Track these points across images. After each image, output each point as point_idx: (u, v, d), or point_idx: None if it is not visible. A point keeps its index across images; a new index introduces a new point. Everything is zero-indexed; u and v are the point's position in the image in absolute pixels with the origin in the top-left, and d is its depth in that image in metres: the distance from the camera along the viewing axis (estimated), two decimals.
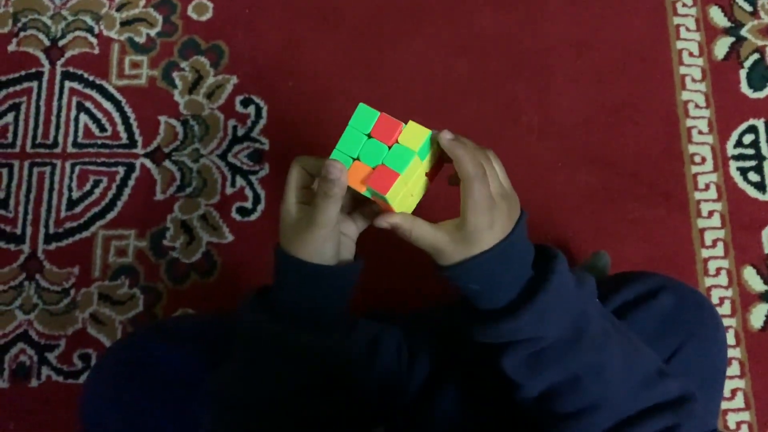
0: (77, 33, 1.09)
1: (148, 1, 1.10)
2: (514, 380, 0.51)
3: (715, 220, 1.03)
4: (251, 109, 1.06)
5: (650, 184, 1.05)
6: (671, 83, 1.09)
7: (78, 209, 1.01)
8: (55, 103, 1.05)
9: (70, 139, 1.04)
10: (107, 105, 1.06)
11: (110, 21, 1.09)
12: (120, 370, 0.62)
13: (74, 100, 1.06)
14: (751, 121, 1.08)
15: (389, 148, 0.49)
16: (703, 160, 1.06)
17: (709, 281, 1.01)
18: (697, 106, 1.08)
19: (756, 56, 1.11)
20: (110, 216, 1.01)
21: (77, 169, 1.03)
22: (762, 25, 1.12)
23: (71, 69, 1.07)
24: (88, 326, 0.97)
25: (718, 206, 1.04)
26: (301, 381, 0.52)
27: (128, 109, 1.06)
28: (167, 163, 1.03)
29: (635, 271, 0.72)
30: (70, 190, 1.02)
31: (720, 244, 1.03)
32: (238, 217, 1.02)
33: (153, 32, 1.09)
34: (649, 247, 1.02)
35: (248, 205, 1.02)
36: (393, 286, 0.98)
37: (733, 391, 0.97)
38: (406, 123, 0.49)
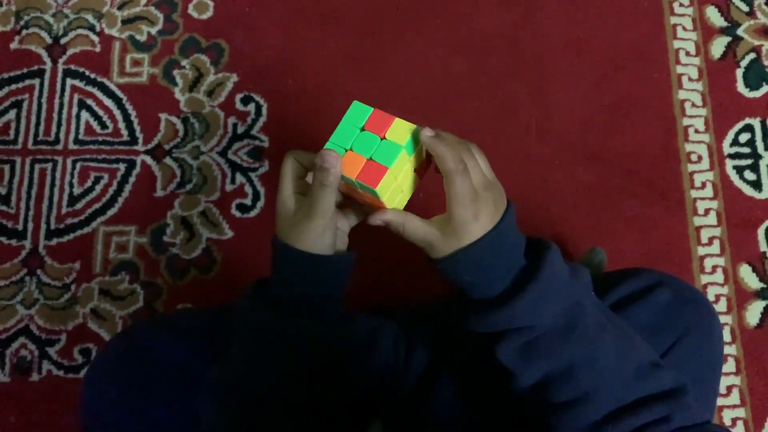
0: (79, 31, 1.09)
1: None
2: (509, 370, 0.51)
3: (712, 218, 1.04)
4: (251, 107, 1.07)
5: (647, 182, 1.05)
6: (668, 82, 1.10)
7: (79, 205, 1.02)
8: (56, 101, 1.06)
9: (72, 136, 1.05)
10: (108, 102, 1.06)
11: (112, 19, 1.10)
12: (119, 364, 0.63)
13: (76, 97, 1.07)
14: (747, 120, 1.09)
15: (382, 139, 0.50)
16: (700, 158, 1.07)
17: (705, 278, 1.02)
18: (693, 105, 1.09)
19: (752, 56, 1.12)
20: (111, 212, 1.02)
21: (78, 165, 1.04)
22: (758, 25, 1.13)
23: (73, 67, 1.08)
24: (88, 321, 0.98)
25: (714, 204, 1.05)
26: (299, 369, 0.53)
27: (129, 107, 1.06)
28: (168, 160, 1.04)
29: (632, 267, 0.72)
30: (71, 186, 1.03)
31: (716, 242, 1.03)
32: (237, 214, 1.03)
33: (154, 30, 1.10)
34: (645, 245, 1.03)
35: (248, 201, 1.03)
36: (390, 283, 0.99)
37: (729, 388, 0.98)
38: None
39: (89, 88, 1.07)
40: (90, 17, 1.10)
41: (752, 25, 1.13)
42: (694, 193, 1.05)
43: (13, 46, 1.08)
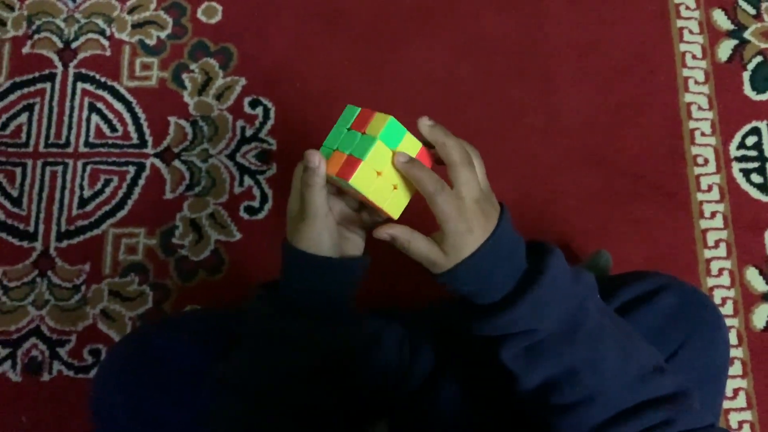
0: (89, 35, 1.11)
1: (158, 3, 1.12)
2: (513, 372, 0.52)
3: (718, 221, 1.04)
4: (259, 111, 1.08)
5: (653, 185, 1.05)
6: (674, 85, 1.10)
7: (89, 208, 1.03)
8: (67, 104, 1.08)
9: (82, 139, 1.06)
10: (118, 106, 1.08)
11: (122, 23, 1.11)
12: (129, 363, 0.63)
13: (86, 100, 1.08)
14: (754, 123, 1.09)
15: (362, 134, 0.50)
16: (706, 161, 1.07)
17: (711, 281, 1.02)
18: (700, 108, 1.09)
19: (759, 59, 1.11)
20: (121, 214, 1.03)
21: (89, 168, 1.05)
22: (765, 28, 1.13)
23: (83, 70, 1.09)
24: (98, 322, 0.99)
25: (720, 207, 1.05)
26: (303, 369, 0.53)
27: (139, 110, 1.08)
28: (177, 163, 1.05)
29: (638, 270, 0.73)
30: (81, 188, 1.04)
31: (722, 245, 1.03)
32: (245, 216, 1.04)
33: (163, 34, 1.11)
34: (651, 248, 1.03)
35: (256, 204, 1.04)
36: (394, 284, 0.99)
37: (735, 391, 0.98)
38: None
39: (99, 92, 1.08)
40: (100, 22, 1.11)
41: (759, 28, 1.13)
42: (700, 196, 1.05)
43: (25, 50, 1.10)
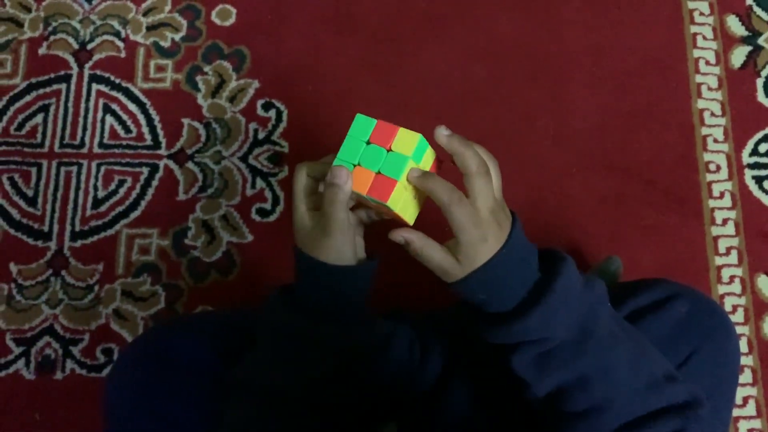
0: (105, 37, 1.12)
1: (173, 6, 1.13)
2: (524, 379, 0.52)
3: (729, 228, 1.04)
4: (272, 113, 1.09)
5: (665, 191, 1.05)
6: (687, 91, 1.10)
7: (103, 208, 1.05)
8: (82, 105, 1.09)
9: (97, 139, 1.07)
10: (132, 107, 1.09)
11: (137, 25, 1.12)
12: (141, 363, 0.64)
13: (101, 102, 1.09)
14: (767, 130, 1.08)
15: (388, 151, 0.50)
16: (718, 168, 1.06)
17: (722, 289, 1.02)
18: (713, 114, 1.09)
19: None
20: (134, 215, 1.04)
21: (103, 169, 1.06)
22: None
23: (98, 72, 1.10)
24: (111, 321, 1.00)
25: (732, 214, 1.04)
26: (320, 371, 0.54)
27: (153, 112, 1.09)
28: (190, 165, 1.06)
29: (649, 278, 0.73)
30: (95, 189, 1.05)
31: (734, 252, 1.03)
32: (257, 218, 1.04)
33: (178, 37, 1.12)
34: (662, 254, 1.03)
35: (268, 206, 1.05)
36: (404, 287, 0.99)
37: (745, 399, 0.98)
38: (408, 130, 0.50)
39: (114, 93, 1.09)
40: (116, 23, 1.12)
41: None
42: (712, 203, 1.05)
43: (42, 51, 1.11)
